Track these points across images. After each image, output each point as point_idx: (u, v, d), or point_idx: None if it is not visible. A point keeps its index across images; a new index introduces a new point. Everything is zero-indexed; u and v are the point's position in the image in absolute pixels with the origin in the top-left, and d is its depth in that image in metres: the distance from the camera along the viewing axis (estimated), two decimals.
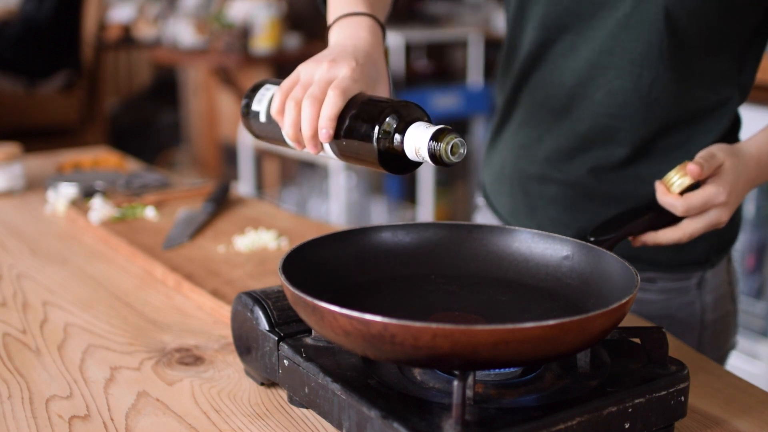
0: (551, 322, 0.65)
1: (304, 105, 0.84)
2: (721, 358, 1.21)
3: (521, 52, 1.16)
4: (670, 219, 1.00)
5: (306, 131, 0.85)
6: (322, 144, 0.86)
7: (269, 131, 0.94)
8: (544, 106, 1.15)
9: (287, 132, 0.87)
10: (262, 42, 3.93)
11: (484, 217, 1.32)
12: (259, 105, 0.94)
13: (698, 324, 1.17)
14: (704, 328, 1.17)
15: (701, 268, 1.16)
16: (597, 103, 1.10)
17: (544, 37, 1.12)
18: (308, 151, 0.88)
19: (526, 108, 1.19)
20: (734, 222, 1.17)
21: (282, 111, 0.87)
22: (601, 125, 1.10)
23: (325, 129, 0.83)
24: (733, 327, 1.23)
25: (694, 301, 1.16)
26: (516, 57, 1.17)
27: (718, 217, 0.99)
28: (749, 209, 2.50)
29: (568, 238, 0.88)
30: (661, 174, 1.03)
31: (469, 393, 0.68)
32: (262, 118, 0.93)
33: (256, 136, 0.97)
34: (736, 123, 1.16)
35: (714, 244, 1.15)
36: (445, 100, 3.79)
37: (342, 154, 0.86)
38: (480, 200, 1.35)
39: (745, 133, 1.20)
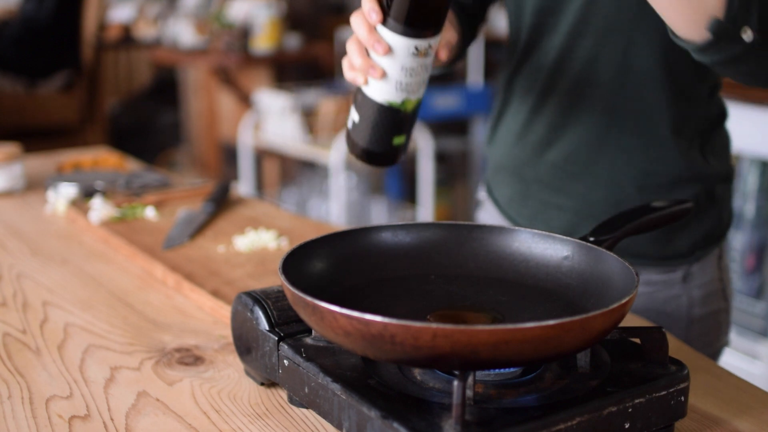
0: (551, 322, 0.65)
1: (348, 47, 0.95)
2: (712, 356, 1.21)
3: (518, 46, 1.19)
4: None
5: (355, 59, 0.93)
6: (374, 71, 0.92)
7: (363, 106, 0.98)
8: (532, 91, 1.18)
9: (345, 73, 0.96)
10: (262, 42, 3.93)
11: (485, 212, 1.34)
12: (352, 114, 0.99)
13: (685, 318, 1.17)
14: (691, 322, 1.17)
15: (686, 262, 1.17)
16: (577, 72, 1.12)
17: (534, 23, 1.15)
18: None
19: (517, 96, 1.22)
20: (721, 219, 1.18)
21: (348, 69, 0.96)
22: (581, 96, 1.12)
23: (374, 13, 0.90)
24: (725, 325, 1.23)
25: (680, 294, 1.17)
26: (513, 53, 1.21)
27: None
28: (749, 209, 2.49)
29: (568, 238, 0.88)
30: (641, 148, 1.03)
31: (469, 393, 0.68)
32: (354, 115, 0.99)
33: (363, 127, 1.00)
34: (722, 113, 1.17)
35: (698, 240, 1.16)
36: (445, 100, 3.79)
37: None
38: (482, 195, 1.36)
39: (735, 129, 1.21)
